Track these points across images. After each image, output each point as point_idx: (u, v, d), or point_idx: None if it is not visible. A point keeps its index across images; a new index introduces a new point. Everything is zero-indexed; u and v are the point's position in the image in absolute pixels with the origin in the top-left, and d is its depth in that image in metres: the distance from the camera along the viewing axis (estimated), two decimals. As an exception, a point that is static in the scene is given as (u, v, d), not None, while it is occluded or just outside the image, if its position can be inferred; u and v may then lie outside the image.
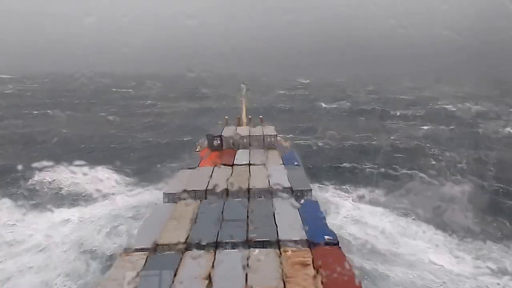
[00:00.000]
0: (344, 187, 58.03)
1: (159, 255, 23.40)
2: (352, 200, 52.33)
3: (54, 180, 58.18)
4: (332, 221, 42.08)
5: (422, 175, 64.00)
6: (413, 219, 46.11)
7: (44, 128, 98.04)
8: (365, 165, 70.20)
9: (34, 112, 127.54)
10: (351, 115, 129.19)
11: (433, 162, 70.37)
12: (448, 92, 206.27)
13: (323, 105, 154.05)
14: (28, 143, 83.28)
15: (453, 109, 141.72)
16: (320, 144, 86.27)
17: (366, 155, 76.14)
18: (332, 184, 58.93)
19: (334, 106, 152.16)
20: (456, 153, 77.40)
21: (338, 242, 24.70)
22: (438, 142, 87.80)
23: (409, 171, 66.98)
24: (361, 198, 53.72)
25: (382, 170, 67.40)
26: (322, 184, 58.58)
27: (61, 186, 56.24)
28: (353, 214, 46.89)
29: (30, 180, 58.02)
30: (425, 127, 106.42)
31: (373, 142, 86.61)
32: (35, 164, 65.14)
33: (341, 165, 69.90)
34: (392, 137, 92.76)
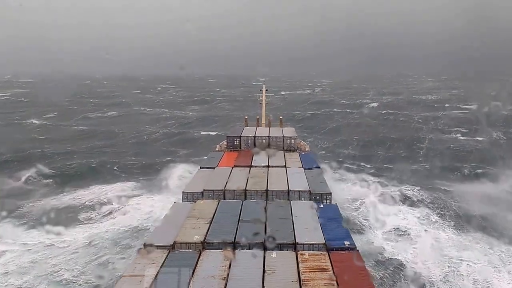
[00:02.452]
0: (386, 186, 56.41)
1: (178, 253, 23.70)
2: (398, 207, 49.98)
3: (36, 200, 52.31)
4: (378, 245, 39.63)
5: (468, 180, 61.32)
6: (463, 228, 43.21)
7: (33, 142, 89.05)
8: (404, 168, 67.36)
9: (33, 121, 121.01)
10: (379, 117, 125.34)
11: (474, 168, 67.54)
12: (476, 90, 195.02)
13: (346, 109, 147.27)
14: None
15: (484, 110, 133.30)
16: (344, 151, 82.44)
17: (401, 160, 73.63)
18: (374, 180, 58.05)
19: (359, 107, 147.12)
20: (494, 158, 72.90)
21: (356, 247, 24.42)
22: (476, 148, 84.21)
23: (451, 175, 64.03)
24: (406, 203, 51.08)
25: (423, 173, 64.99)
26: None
27: (42, 208, 49.68)
28: (400, 225, 44.00)
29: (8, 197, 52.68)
30: (460, 130, 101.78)
31: (401, 153, 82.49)
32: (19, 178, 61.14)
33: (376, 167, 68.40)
34: (425, 144, 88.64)
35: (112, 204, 50.34)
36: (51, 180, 61.82)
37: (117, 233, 42.18)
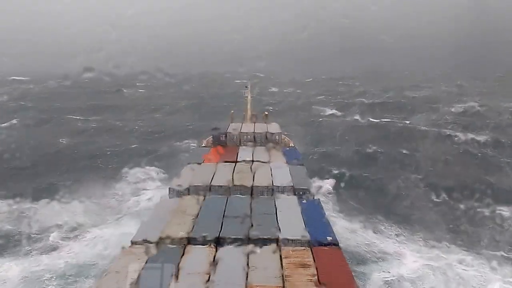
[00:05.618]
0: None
1: (162, 248, 23.82)
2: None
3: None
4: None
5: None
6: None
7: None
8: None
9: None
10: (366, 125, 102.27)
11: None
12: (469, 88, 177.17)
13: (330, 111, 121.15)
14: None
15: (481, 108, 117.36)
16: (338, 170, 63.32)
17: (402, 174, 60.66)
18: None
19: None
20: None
21: (338, 243, 24.97)
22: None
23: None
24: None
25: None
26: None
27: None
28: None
29: None
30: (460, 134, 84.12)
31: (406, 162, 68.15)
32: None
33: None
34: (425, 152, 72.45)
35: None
36: None
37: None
